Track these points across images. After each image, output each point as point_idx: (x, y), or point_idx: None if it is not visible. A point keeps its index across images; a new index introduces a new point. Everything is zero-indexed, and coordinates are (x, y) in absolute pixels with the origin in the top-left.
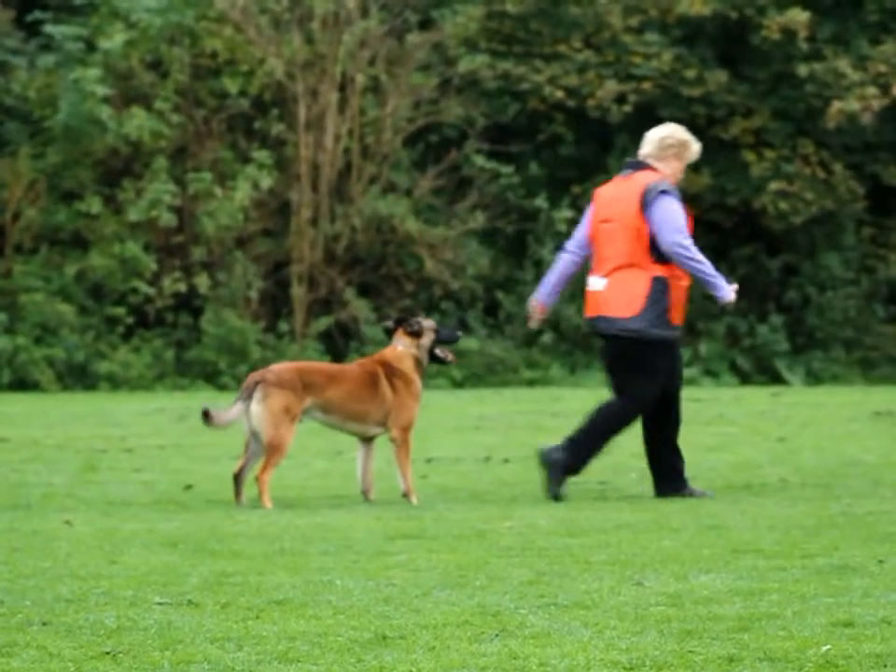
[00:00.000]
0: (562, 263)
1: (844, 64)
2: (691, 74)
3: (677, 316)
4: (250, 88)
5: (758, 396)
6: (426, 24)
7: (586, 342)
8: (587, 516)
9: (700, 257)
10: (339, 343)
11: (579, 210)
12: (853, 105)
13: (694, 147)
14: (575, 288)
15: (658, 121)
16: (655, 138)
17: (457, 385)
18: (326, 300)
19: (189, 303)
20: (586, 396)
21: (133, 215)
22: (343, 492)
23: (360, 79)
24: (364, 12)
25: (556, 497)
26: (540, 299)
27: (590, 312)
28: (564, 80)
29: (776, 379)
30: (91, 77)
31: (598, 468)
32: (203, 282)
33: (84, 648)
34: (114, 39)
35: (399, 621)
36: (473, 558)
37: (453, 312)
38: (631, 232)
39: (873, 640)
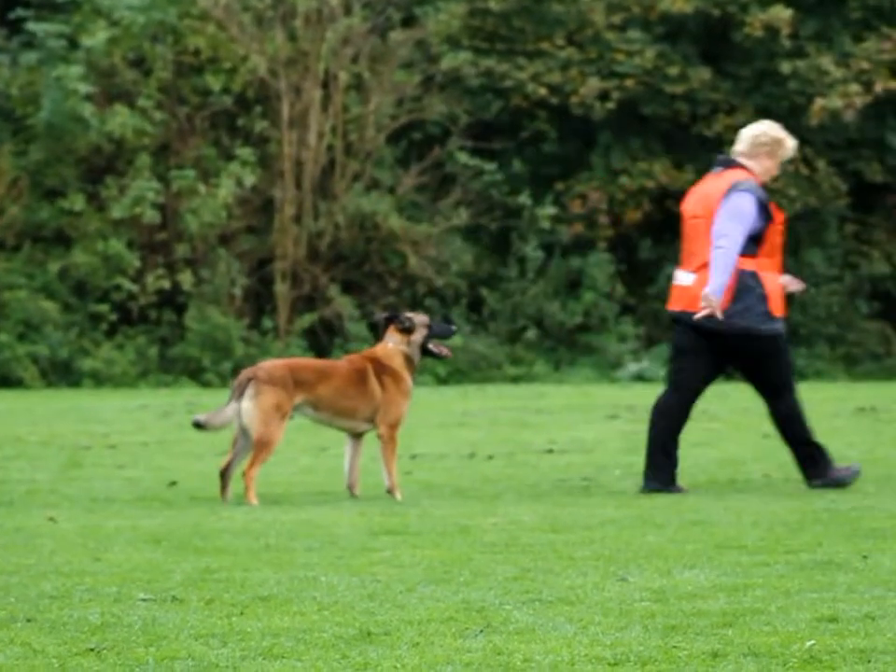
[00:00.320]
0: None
1: (827, 62)
2: (674, 71)
3: (775, 308)
4: (233, 85)
5: (742, 392)
6: (408, 22)
7: (570, 338)
8: (571, 512)
9: (728, 256)
10: (323, 340)
11: (562, 207)
12: (836, 102)
13: (789, 145)
14: (558, 285)
15: (641, 119)
16: (749, 136)
17: (441, 381)
18: (309, 296)
19: (172, 300)
20: (570, 392)
21: (117, 212)
22: (328, 488)
23: (343, 77)
24: (347, 9)
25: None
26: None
27: (676, 305)
28: (547, 77)
29: None
30: (74, 75)
31: (581, 463)
32: (186, 279)
33: (68, 644)
34: (96, 37)
35: (383, 617)
36: (457, 554)
37: (437, 309)
38: None
39: (857, 636)
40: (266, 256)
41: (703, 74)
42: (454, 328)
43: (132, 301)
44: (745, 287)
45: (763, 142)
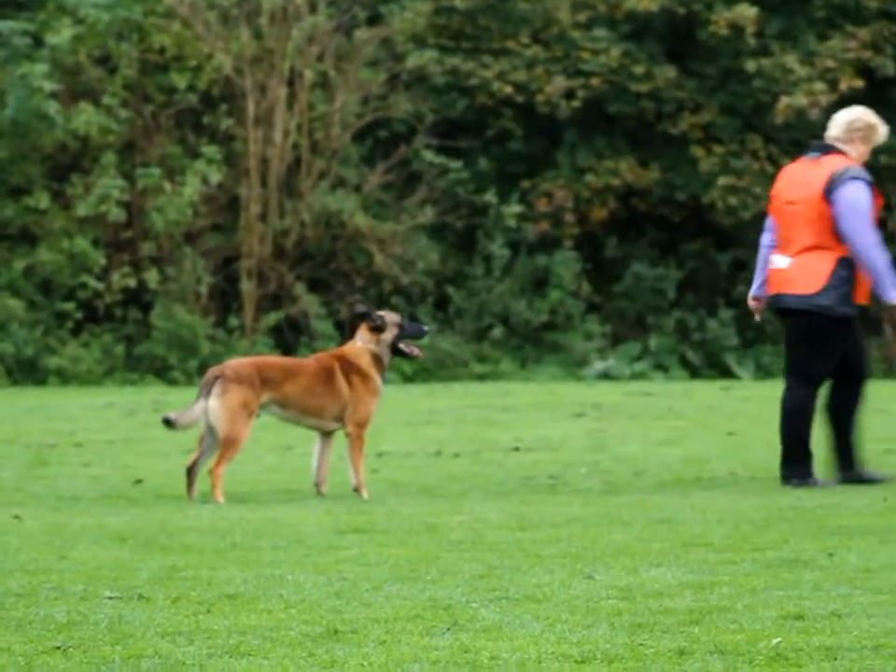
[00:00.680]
0: (764, 252)
1: (791, 60)
2: (639, 69)
3: (860, 296)
4: (198, 83)
5: (708, 390)
6: (374, 20)
7: (536, 336)
8: (537, 510)
9: (876, 250)
10: (289, 338)
11: (528, 205)
12: (801, 100)
13: (882, 130)
14: (524, 283)
15: (606, 117)
16: (843, 121)
17: (408, 379)
18: (275, 295)
19: (138, 298)
20: (537, 390)
21: (82, 210)
22: (295, 486)
23: (309, 75)
24: (312, 8)
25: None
26: (756, 292)
27: (772, 289)
28: (512, 76)
29: (725, 373)
30: (39, 73)
31: (548, 461)
32: (152, 277)
33: (34, 642)
34: (61, 34)
35: (350, 615)
36: (424, 552)
37: (403, 307)
38: (814, 215)
39: (823, 633)
40: (232, 254)
41: (668, 72)
42: (425, 328)
43: (97, 299)
44: (840, 271)
45: (857, 127)
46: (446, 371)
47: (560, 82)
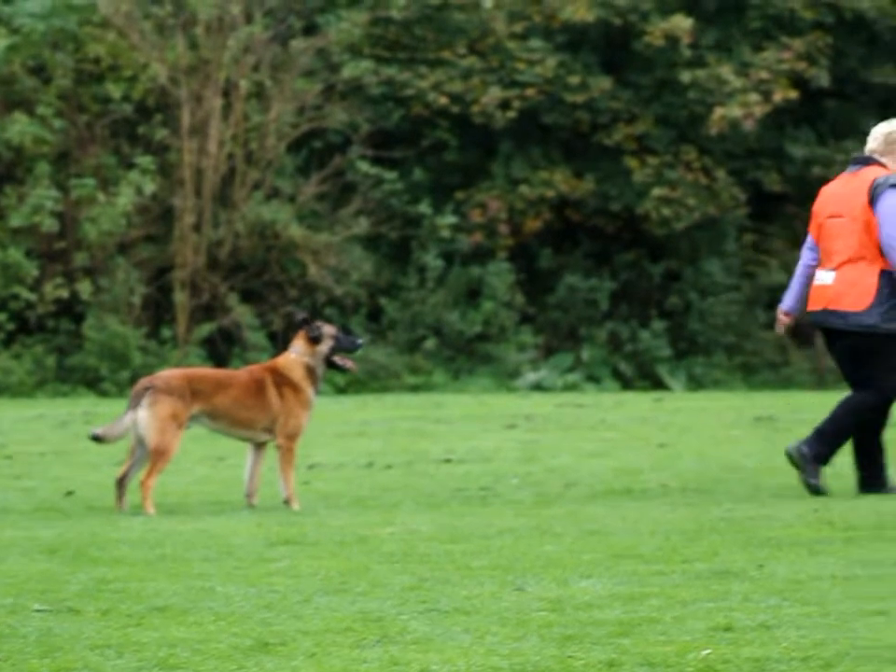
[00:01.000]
0: (802, 269)
1: (726, 71)
2: (574, 80)
3: None
4: (133, 93)
5: (640, 401)
6: (310, 30)
7: (469, 347)
8: (468, 522)
9: None
10: (222, 349)
11: (462, 216)
12: (735, 111)
13: None
14: (457, 294)
15: (542, 128)
16: (881, 133)
17: (340, 390)
18: (208, 305)
19: (70, 309)
20: (469, 402)
21: (15, 220)
22: (225, 498)
23: (244, 85)
24: (248, 18)
25: (818, 490)
26: (787, 306)
27: (816, 305)
28: (448, 86)
29: (658, 384)
30: None
31: (479, 473)
32: (85, 288)
33: None
34: None
35: (280, 627)
36: (355, 564)
37: (336, 318)
38: (860, 226)
39: (752, 645)
40: (165, 264)
41: (603, 83)
42: (360, 341)
43: (29, 311)
44: (885, 286)
45: None
46: (379, 383)
47: (495, 93)
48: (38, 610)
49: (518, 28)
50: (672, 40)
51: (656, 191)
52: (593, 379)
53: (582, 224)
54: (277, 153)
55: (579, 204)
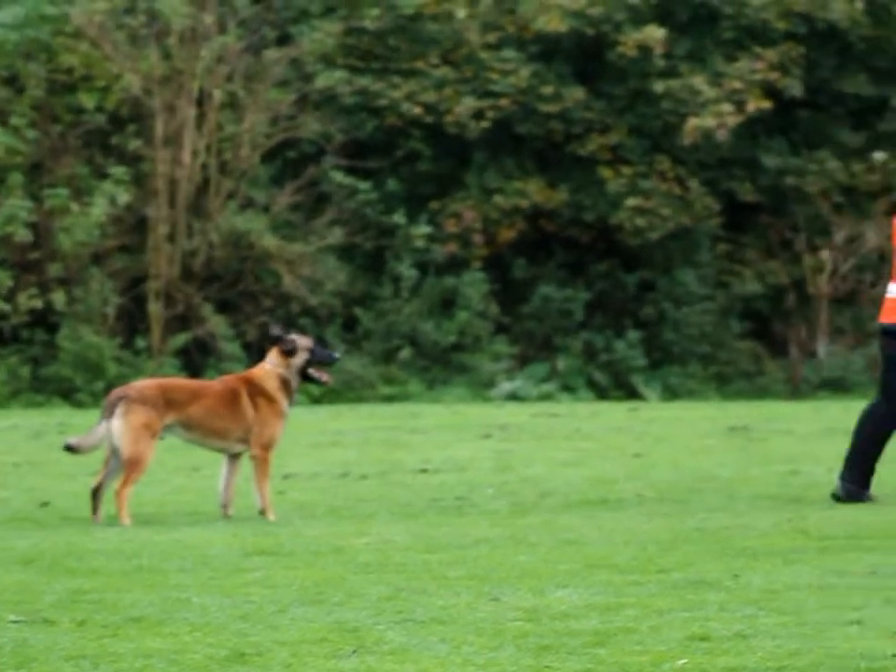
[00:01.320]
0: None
1: (699, 81)
2: (548, 90)
3: None
4: (107, 103)
5: (615, 411)
6: (283, 40)
7: (444, 357)
8: (444, 532)
9: None
10: (196, 360)
11: (436, 226)
12: (709, 121)
13: None
14: (432, 304)
15: (515, 138)
16: None
17: (315, 400)
18: (183, 316)
19: (45, 320)
20: (444, 412)
21: None
22: (201, 508)
23: (218, 95)
24: (222, 28)
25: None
26: None
27: (886, 318)
28: (421, 96)
29: (632, 394)
30: None
31: (455, 482)
32: (59, 298)
33: None
34: None
35: (256, 637)
36: (330, 574)
37: (311, 328)
38: None
39: (728, 654)
40: (139, 275)
41: (577, 93)
42: (336, 355)
43: (3, 321)
44: None
45: None
46: (353, 393)
47: (469, 103)
48: (13, 621)
49: (491, 38)
50: (645, 51)
51: (630, 201)
52: (568, 389)
53: (557, 234)
54: (251, 163)
55: (553, 214)
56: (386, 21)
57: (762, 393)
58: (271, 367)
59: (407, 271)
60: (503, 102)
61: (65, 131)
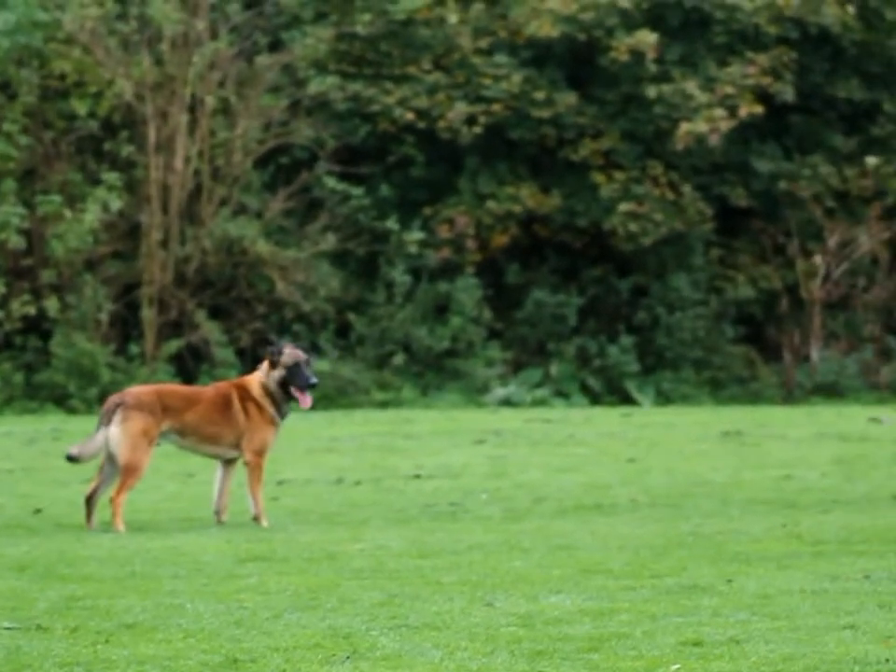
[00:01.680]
0: None
1: (691, 86)
2: (540, 95)
3: None
4: (99, 109)
5: (608, 416)
6: (275, 46)
7: (438, 363)
8: (438, 538)
9: None
10: (190, 366)
11: (430, 231)
12: (701, 126)
13: None
14: (425, 310)
15: (508, 143)
16: None
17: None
18: (176, 322)
19: (38, 326)
20: (438, 417)
21: None
22: (195, 515)
23: (210, 101)
24: (213, 34)
25: None
26: None
27: None
28: (414, 102)
29: (626, 399)
30: None
31: (448, 488)
32: (52, 305)
33: None
34: None
35: (249, 644)
36: (324, 580)
37: (304, 334)
38: None
39: (721, 659)
40: (133, 281)
41: (569, 98)
42: (313, 380)
43: None
44: None
45: None
46: (347, 399)
47: (461, 108)
48: (7, 628)
49: (483, 44)
50: (637, 55)
51: (623, 206)
52: (561, 394)
53: (550, 239)
54: (244, 169)
55: (546, 220)
56: (378, 27)
57: (755, 398)
58: (259, 374)
59: (400, 276)
60: (495, 107)
61: (58, 137)
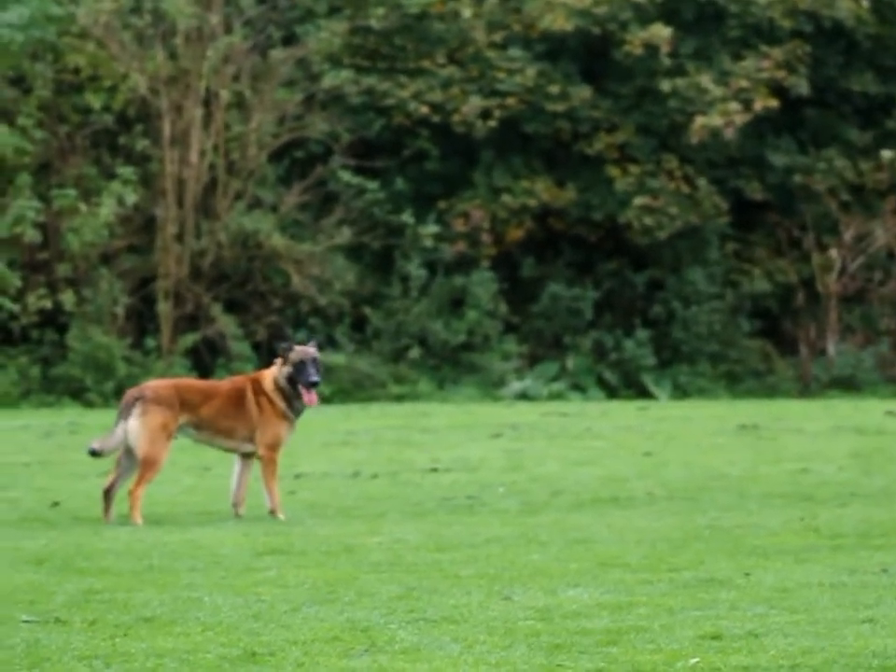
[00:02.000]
0: None
1: (706, 80)
2: (554, 89)
3: None
4: (114, 103)
5: (625, 410)
6: (289, 40)
7: (454, 357)
8: (456, 531)
9: None
10: (206, 359)
11: (444, 225)
12: (716, 120)
13: None
14: (441, 303)
15: (523, 137)
16: None
17: (325, 400)
18: (192, 315)
19: (54, 320)
20: (454, 411)
21: None
22: (212, 508)
23: (225, 95)
24: (228, 28)
25: None
26: None
27: None
28: (428, 96)
29: (642, 393)
30: None
31: (466, 482)
32: (68, 298)
33: None
34: None
35: (268, 637)
36: (342, 573)
37: (320, 327)
38: None
39: (740, 653)
40: (148, 275)
41: (584, 92)
42: (315, 380)
43: (13, 321)
44: None
45: None
46: (364, 392)
47: (476, 102)
48: (26, 621)
49: (497, 37)
50: (651, 49)
51: (638, 200)
52: (578, 388)
53: (565, 233)
54: (259, 163)
55: (561, 213)
56: (392, 21)
57: (771, 391)
58: (273, 370)
59: (416, 270)
60: (510, 101)
61: (73, 131)
